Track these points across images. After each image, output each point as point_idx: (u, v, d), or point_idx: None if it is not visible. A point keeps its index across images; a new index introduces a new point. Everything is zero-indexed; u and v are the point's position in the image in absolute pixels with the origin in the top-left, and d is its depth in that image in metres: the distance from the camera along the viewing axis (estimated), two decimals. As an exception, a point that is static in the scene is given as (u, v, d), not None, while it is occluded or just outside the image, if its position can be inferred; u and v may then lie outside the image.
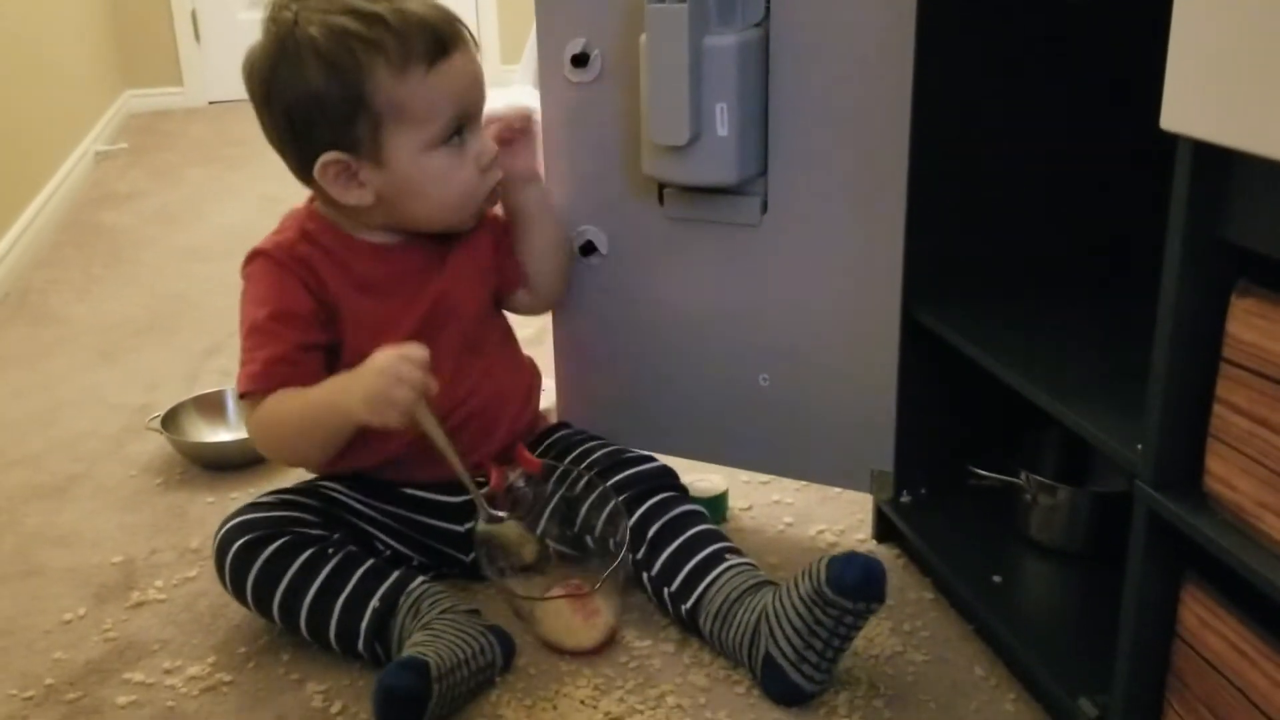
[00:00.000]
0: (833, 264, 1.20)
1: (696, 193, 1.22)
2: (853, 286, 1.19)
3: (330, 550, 1.11)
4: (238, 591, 1.12)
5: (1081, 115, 1.15)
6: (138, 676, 1.11)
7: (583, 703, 1.05)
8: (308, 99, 1.10)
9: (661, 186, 1.24)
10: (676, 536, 1.15)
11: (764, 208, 1.21)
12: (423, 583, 1.11)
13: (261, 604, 1.11)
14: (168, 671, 1.12)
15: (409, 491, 1.21)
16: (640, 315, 1.31)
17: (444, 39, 1.12)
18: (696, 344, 1.30)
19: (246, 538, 1.11)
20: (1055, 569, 1.15)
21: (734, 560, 1.13)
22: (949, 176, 1.12)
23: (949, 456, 1.23)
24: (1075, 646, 1.01)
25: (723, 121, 1.13)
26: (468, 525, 1.17)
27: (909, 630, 1.14)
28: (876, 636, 1.13)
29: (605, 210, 1.29)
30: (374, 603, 1.08)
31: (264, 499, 1.17)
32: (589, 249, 1.30)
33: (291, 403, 1.12)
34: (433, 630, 1.05)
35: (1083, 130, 1.15)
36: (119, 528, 1.38)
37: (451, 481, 1.15)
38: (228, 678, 1.11)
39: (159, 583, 1.26)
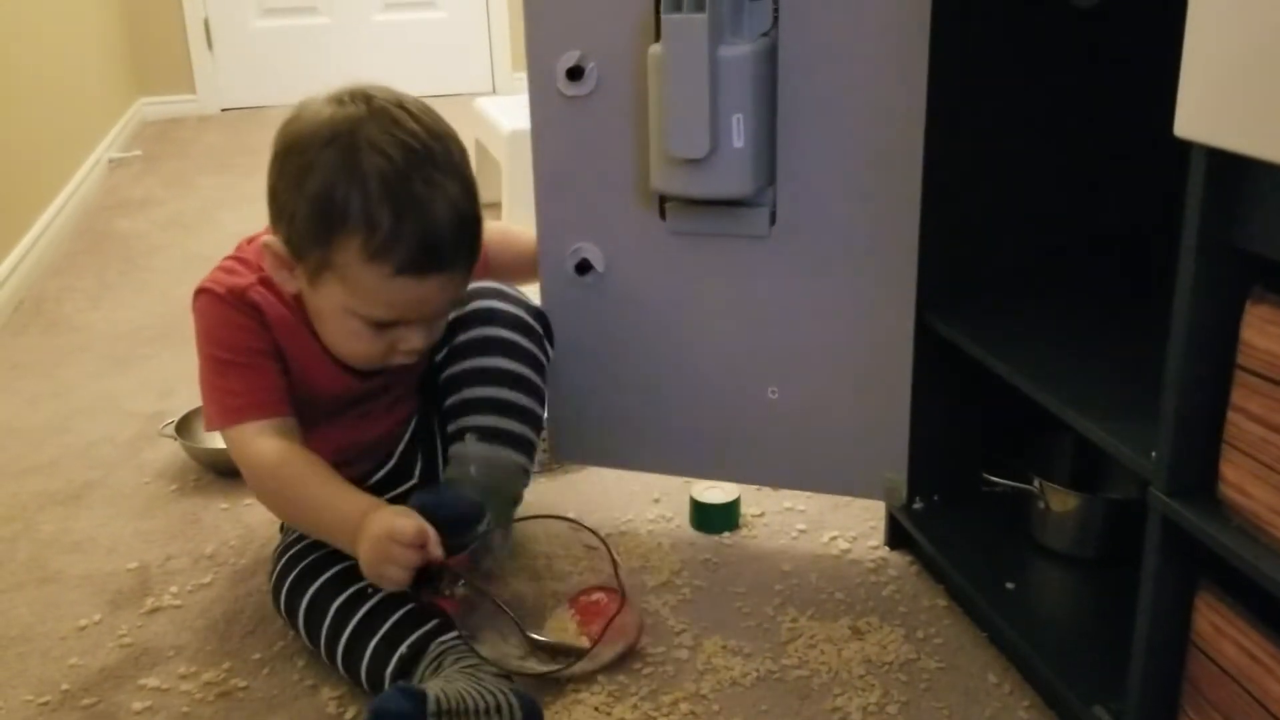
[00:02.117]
0: (843, 273, 1.20)
1: (703, 206, 1.21)
2: (863, 295, 1.19)
3: (371, 589, 1.08)
4: (291, 621, 1.12)
5: (1095, 122, 1.15)
6: (153, 682, 1.12)
7: (596, 709, 1.05)
8: (295, 191, 1.06)
9: (664, 201, 1.23)
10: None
11: (773, 219, 1.20)
12: (455, 637, 1.06)
13: (310, 635, 1.10)
14: (183, 677, 1.12)
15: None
16: (641, 333, 1.29)
17: (431, 261, 1.05)
18: (701, 360, 1.29)
19: (299, 569, 1.12)
20: (1068, 576, 1.15)
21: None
22: (962, 183, 1.13)
23: (962, 463, 1.22)
24: (1089, 653, 1.01)
25: (738, 132, 1.12)
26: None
27: (922, 637, 1.14)
28: (890, 644, 1.13)
29: (601, 227, 1.26)
30: (402, 649, 1.04)
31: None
32: (584, 267, 1.28)
33: (303, 486, 1.08)
34: (447, 677, 1.01)
35: (1096, 137, 1.15)
36: (134, 534, 1.38)
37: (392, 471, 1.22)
38: (242, 683, 1.11)
39: (174, 589, 1.27)
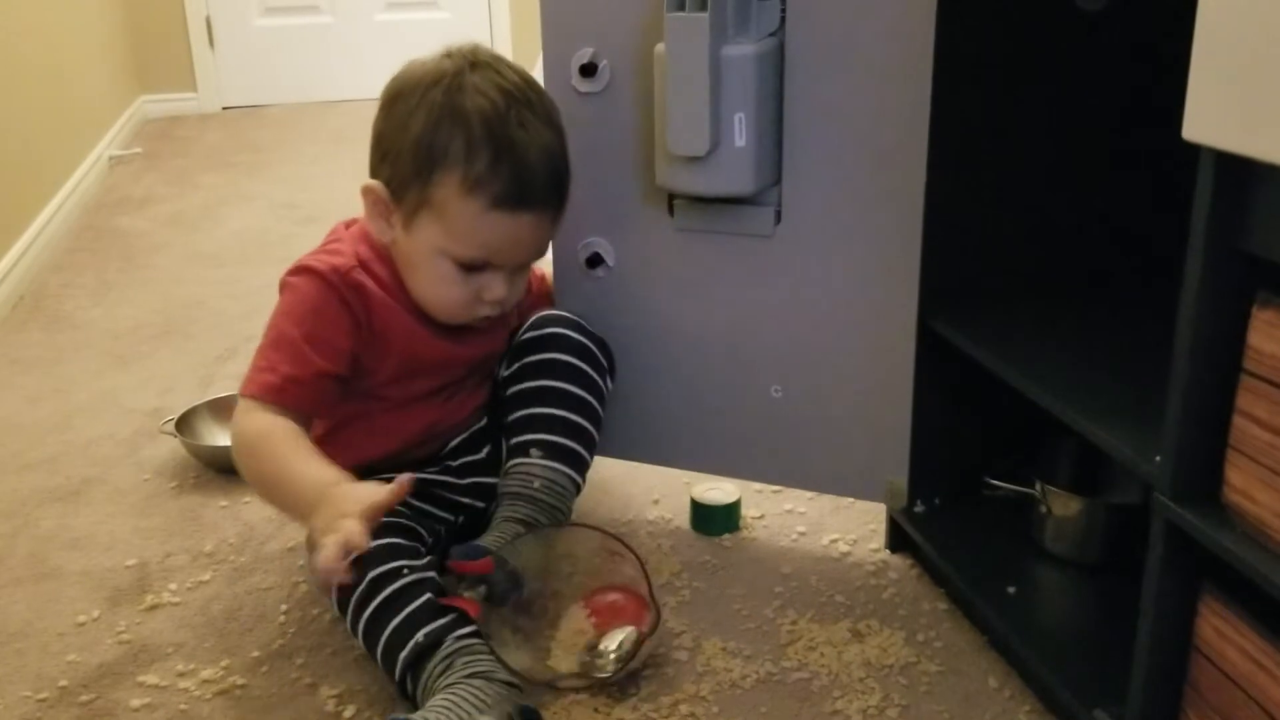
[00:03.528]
0: (847, 274, 1.20)
1: (708, 203, 1.22)
2: (867, 296, 1.20)
3: (405, 570, 1.07)
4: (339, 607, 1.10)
5: (1101, 126, 1.15)
6: (151, 679, 1.12)
7: (596, 710, 1.05)
8: (400, 132, 1.13)
9: (672, 197, 1.24)
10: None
11: (778, 218, 1.21)
12: (472, 633, 1.05)
13: (343, 597, 1.08)
14: (181, 674, 1.12)
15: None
16: (648, 327, 1.31)
17: (523, 197, 1.12)
18: (707, 356, 1.30)
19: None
20: (1070, 580, 1.15)
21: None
22: (967, 186, 1.12)
23: (963, 467, 1.22)
24: (1090, 658, 1.01)
25: (740, 132, 1.13)
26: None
27: (923, 641, 1.14)
28: (890, 647, 1.13)
29: (612, 222, 1.29)
30: (419, 636, 1.03)
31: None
32: (595, 261, 1.30)
33: (280, 458, 1.09)
34: (454, 695, 0.99)
35: (1102, 141, 1.15)
36: (133, 531, 1.38)
37: (434, 455, 1.26)
38: (241, 681, 1.11)
39: (173, 586, 1.27)
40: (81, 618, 1.21)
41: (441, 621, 1.04)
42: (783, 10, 1.13)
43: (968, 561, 1.16)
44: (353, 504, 0.99)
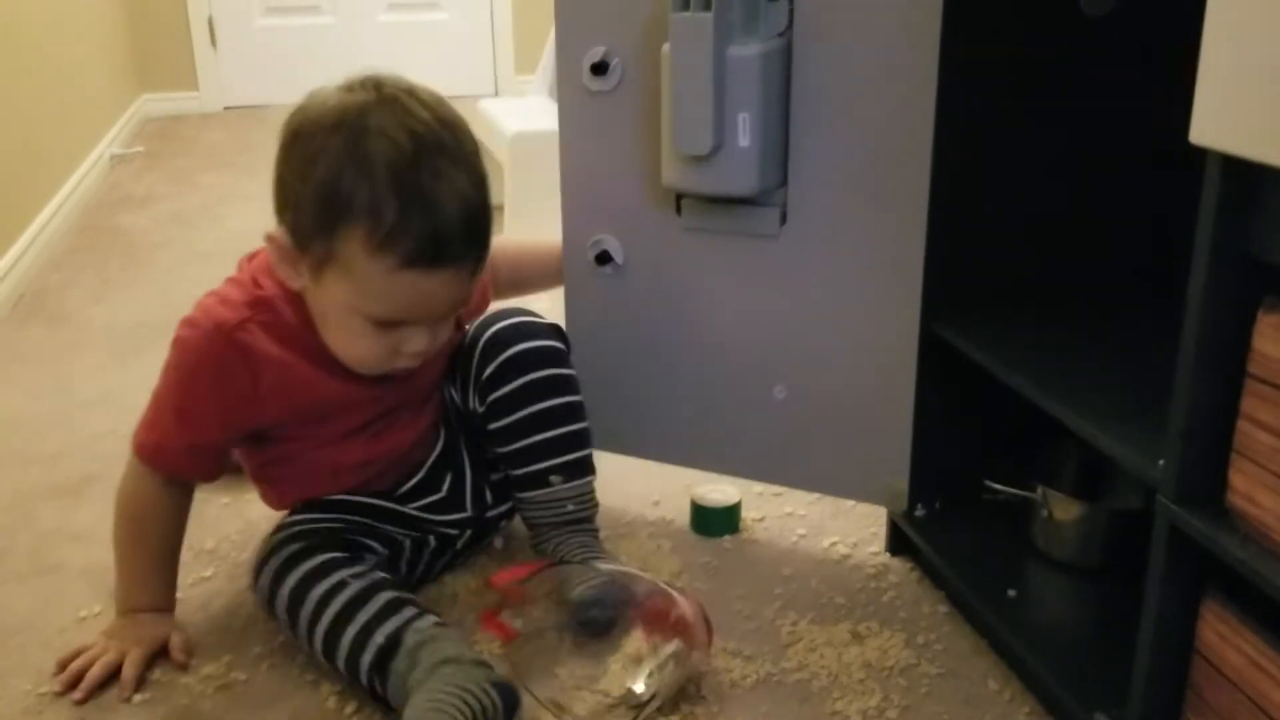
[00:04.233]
0: (851, 276, 1.20)
1: (715, 203, 1.22)
2: (871, 299, 1.20)
3: (350, 579, 1.08)
4: (272, 611, 1.12)
5: (1107, 130, 1.15)
6: (153, 675, 1.12)
7: (593, 711, 1.05)
8: (300, 181, 1.04)
9: (679, 196, 1.25)
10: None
11: (783, 219, 1.21)
12: (432, 625, 1.05)
13: (293, 624, 1.10)
14: (183, 670, 1.12)
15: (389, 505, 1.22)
16: (654, 325, 1.32)
17: (437, 254, 1.02)
18: (711, 355, 1.30)
19: (279, 559, 1.11)
20: (1070, 584, 1.15)
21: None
22: (971, 189, 1.13)
23: (964, 470, 1.23)
24: (1090, 661, 1.01)
25: (745, 131, 1.13)
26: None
27: (923, 643, 1.14)
28: (890, 649, 1.13)
29: (621, 219, 1.29)
30: (378, 639, 1.03)
31: (297, 519, 1.16)
32: (604, 258, 1.30)
33: (132, 543, 1.16)
34: (431, 694, 0.97)
35: (1108, 145, 1.16)
36: (134, 527, 1.38)
37: (390, 493, 1.22)
38: (243, 676, 1.11)
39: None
40: (83, 613, 1.21)
41: (397, 620, 1.04)
42: (791, 10, 1.14)
43: (968, 565, 1.17)
44: (135, 642, 1.11)
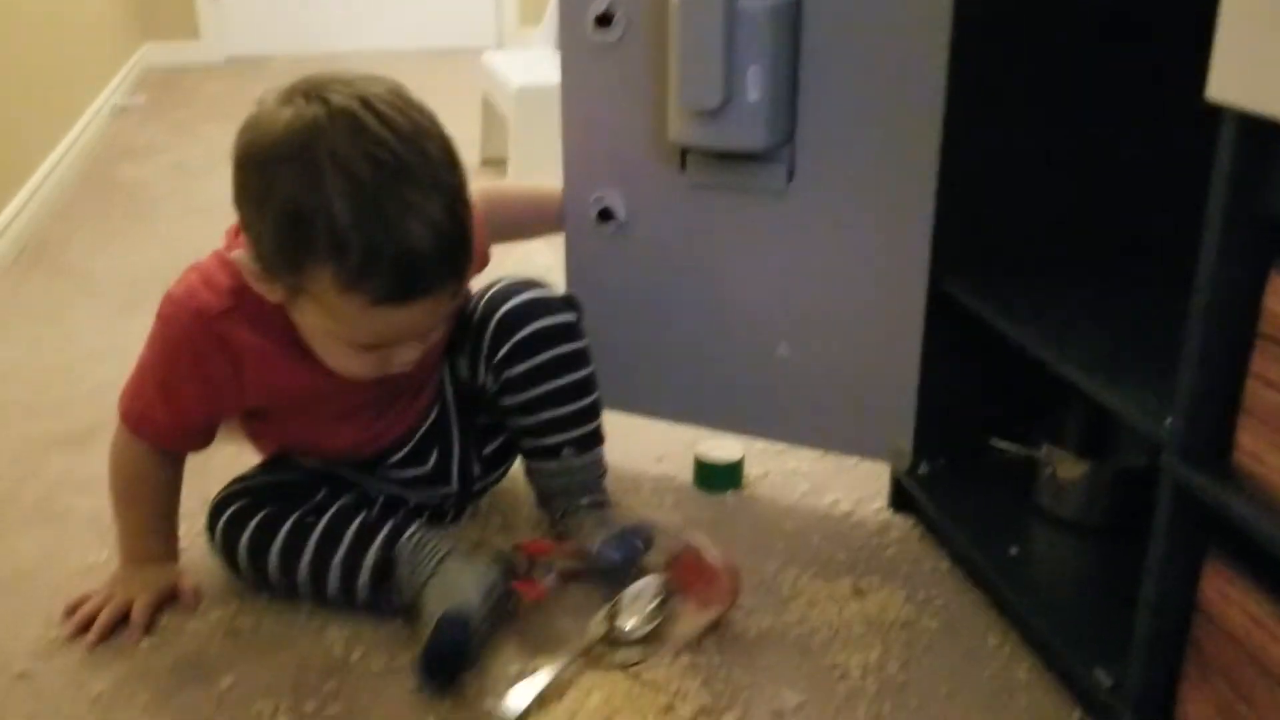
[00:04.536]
0: (859, 232, 1.20)
1: (721, 159, 1.22)
2: (878, 255, 1.20)
3: (310, 518, 1.12)
4: (232, 567, 1.14)
5: (1123, 86, 1.14)
6: (160, 620, 1.13)
7: (594, 661, 1.06)
8: (256, 212, 0.98)
9: (684, 152, 1.24)
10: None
11: (790, 175, 1.21)
12: (417, 531, 1.11)
13: (260, 578, 1.13)
14: (190, 615, 1.13)
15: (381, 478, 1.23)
16: (657, 282, 1.31)
17: (410, 288, 0.97)
18: (714, 312, 1.30)
19: (230, 511, 1.14)
20: (1073, 542, 1.16)
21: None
22: (983, 145, 1.12)
23: (969, 429, 1.23)
24: (1091, 618, 1.02)
25: (754, 86, 1.13)
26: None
27: (923, 599, 1.15)
28: (891, 604, 1.14)
29: (624, 175, 1.28)
30: (369, 559, 1.09)
31: (249, 474, 1.19)
32: (606, 215, 1.29)
33: (138, 482, 1.17)
34: (444, 579, 1.06)
35: (1121, 102, 1.14)
36: (141, 476, 1.39)
37: (409, 454, 1.23)
38: (249, 622, 1.12)
39: (181, 529, 1.27)
40: (90, 559, 1.22)
41: (381, 538, 1.10)
42: (802, -36, 1.12)
43: (970, 522, 1.17)
44: (143, 587, 1.13)
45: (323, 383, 1.09)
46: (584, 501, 1.22)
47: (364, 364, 1.05)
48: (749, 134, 1.16)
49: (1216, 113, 0.72)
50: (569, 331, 1.20)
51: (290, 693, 1.02)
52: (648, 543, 1.17)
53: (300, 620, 1.12)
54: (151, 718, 1.00)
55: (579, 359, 1.21)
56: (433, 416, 1.24)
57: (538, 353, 1.18)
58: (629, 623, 1.08)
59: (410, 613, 1.08)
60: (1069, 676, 1.01)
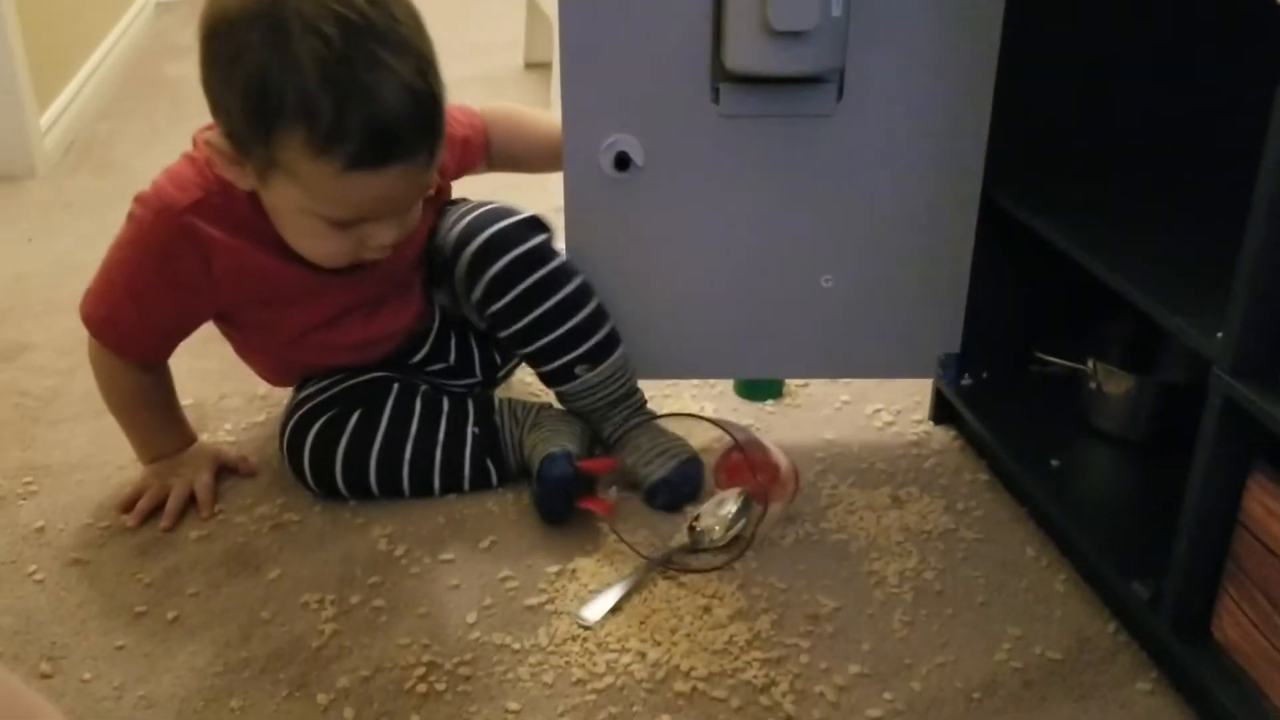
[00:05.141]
0: (910, 150, 1.16)
1: (764, 84, 1.11)
2: (930, 171, 1.16)
3: (397, 414, 1.15)
4: (321, 477, 1.15)
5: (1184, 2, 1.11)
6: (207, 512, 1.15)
7: (629, 558, 1.07)
8: (224, 84, 0.97)
9: (717, 81, 1.12)
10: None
11: (839, 95, 1.13)
12: (502, 400, 1.20)
13: (357, 479, 1.14)
14: (238, 509, 1.15)
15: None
16: (686, 229, 1.19)
17: (384, 152, 0.96)
18: (751, 253, 1.20)
19: (321, 422, 1.14)
20: (1115, 456, 1.15)
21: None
22: (1041, 55, 1.10)
23: (1013, 343, 1.22)
24: (1130, 532, 1.02)
25: (837, 1, 1.05)
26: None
27: (962, 510, 1.15)
28: (929, 514, 1.14)
29: (642, 116, 1.13)
30: (471, 428, 1.16)
31: (318, 387, 1.18)
32: (623, 162, 1.14)
33: (123, 392, 1.17)
34: (548, 427, 1.16)
35: (1183, 12, 1.11)
36: (188, 373, 1.39)
37: (430, 352, 1.24)
38: (296, 518, 1.14)
39: (228, 425, 1.30)
40: (137, 456, 1.25)
41: (477, 413, 1.18)
42: None
43: (1012, 434, 1.17)
44: (195, 469, 1.16)
45: (295, 277, 1.08)
46: (626, 419, 1.20)
47: (338, 246, 1.04)
48: (829, 54, 1.07)
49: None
50: (541, 254, 1.15)
51: (336, 586, 1.05)
52: (695, 488, 1.16)
53: (345, 517, 1.14)
54: (201, 605, 1.03)
55: (559, 277, 1.15)
56: (440, 316, 1.24)
57: (514, 285, 1.14)
58: (713, 530, 1.10)
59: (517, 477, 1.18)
60: (1106, 589, 1.02)
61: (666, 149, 1.15)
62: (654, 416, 1.21)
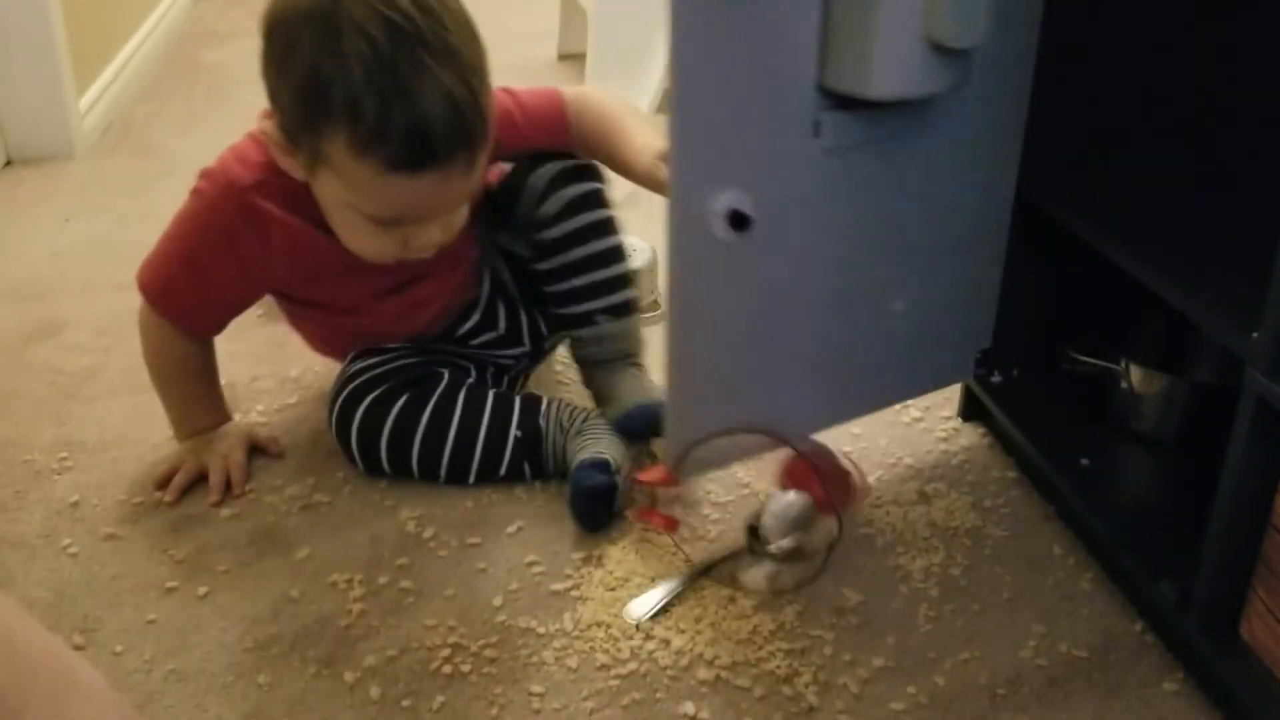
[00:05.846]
0: (974, 154, 1.09)
1: (869, 109, 0.97)
2: (970, 174, 1.11)
3: (443, 400, 1.16)
4: (366, 453, 1.16)
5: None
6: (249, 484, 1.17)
7: (656, 546, 1.07)
8: (279, 77, 1.03)
9: (818, 114, 0.96)
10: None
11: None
12: (550, 402, 1.18)
13: (400, 458, 1.15)
14: (269, 489, 1.17)
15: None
16: (787, 284, 1.03)
17: (422, 156, 0.99)
18: (840, 295, 1.07)
19: (370, 399, 1.15)
20: (1145, 456, 1.15)
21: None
22: (1080, 51, 1.09)
23: (1044, 341, 1.22)
24: (1159, 532, 1.01)
25: None
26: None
27: (989, 507, 1.15)
28: (956, 510, 1.14)
29: (749, 164, 0.95)
30: (514, 432, 1.15)
31: (369, 364, 1.18)
32: (740, 221, 0.95)
33: (171, 363, 1.20)
34: (590, 435, 1.15)
35: (1222, 15, 1.10)
36: (222, 354, 1.39)
37: (481, 321, 1.25)
38: (325, 499, 1.15)
39: (260, 407, 1.31)
40: (173, 431, 1.26)
41: (521, 410, 1.17)
42: None
43: (1041, 433, 1.16)
44: (229, 447, 1.18)
45: (347, 260, 1.11)
46: (623, 378, 1.23)
47: (383, 244, 1.08)
48: (968, 67, 0.97)
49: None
50: (600, 198, 1.22)
51: (364, 567, 1.06)
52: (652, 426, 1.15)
53: (375, 499, 1.15)
54: (232, 582, 1.04)
55: (612, 225, 1.23)
56: (488, 284, 1.26)
57: (573, 215, 1.19)
58: (773, 537, 1.06)
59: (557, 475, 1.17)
60: (1133, 588, 1.01)
61: (775, 198, 0.98)
62: (643, 370, 1.26)
